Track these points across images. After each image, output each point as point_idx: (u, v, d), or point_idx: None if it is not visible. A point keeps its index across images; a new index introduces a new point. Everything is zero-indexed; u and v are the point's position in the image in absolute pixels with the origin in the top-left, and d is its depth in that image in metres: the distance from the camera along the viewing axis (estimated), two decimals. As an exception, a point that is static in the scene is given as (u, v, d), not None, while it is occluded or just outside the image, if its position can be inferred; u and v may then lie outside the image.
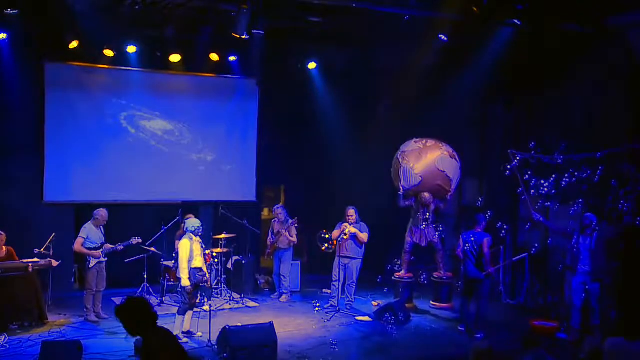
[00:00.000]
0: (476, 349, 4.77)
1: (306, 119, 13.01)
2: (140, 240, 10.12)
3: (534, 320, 9.69)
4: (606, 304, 9.16)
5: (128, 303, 4.54)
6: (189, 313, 8.89)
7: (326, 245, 10.04)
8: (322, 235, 10.23)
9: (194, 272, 8.66)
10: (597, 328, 8.93)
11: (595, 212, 9.23)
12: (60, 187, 11.34)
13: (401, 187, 10.76)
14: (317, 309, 9.92)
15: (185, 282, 8.60)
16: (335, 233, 10.50)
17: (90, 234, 9.46)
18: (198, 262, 8.72)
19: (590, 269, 8.98)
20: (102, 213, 9.64)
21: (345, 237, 10.30)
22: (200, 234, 8.84)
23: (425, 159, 10.73)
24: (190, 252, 8.63)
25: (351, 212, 10.44)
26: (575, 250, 9.23)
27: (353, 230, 10.33)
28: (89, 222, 9.61)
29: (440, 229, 10.93)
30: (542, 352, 5.48)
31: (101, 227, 9.65)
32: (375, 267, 12.15)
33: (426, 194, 10.75)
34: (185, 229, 8.97)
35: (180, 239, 9.27)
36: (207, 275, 8.95)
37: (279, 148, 12.95)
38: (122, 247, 9.82)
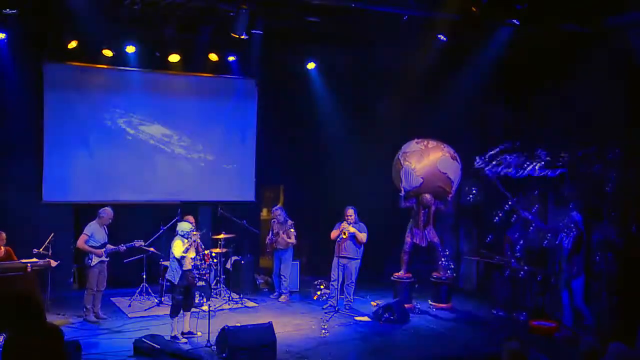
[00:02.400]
0: (509, 349, 4.69)
1: (305, 119, 12.99)
2: (142, 243, 10.13)
3: (533, 320, 9.69)
4: (596, 305, 9.19)
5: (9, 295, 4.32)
6: (188, 314, 8.88)
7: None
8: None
9: (184, 274, 8.65)
10: (589, 329, 8.93)
11: (591, 213, 9.31)
12: (59, 187, 11.33)
13: (402, 188, 10.74)
14: (316, 296, 9.82)
15: (188, 265, 8.65)
16: (334, 233, 10.49)
17: (95, 232, 9.47)
18: (187, 264, 8.71)
19: (569, 267, 9.07)
20: (108, 212, 9.65)
21: (344, 237, 10.30)
22: (191, 238, 8.81)
23: (427, 160, 10.71)
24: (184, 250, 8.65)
25: (350, 212, 10.43)
26: (559, 249, 9.34)
27: (352, 230, 10.32)
28: (94, 220, 9.62)
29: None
30: (534, 353, 5.46)
31: (105, 226, 9.65)
32: (374, 267, 12.18)
33: (427, 195, 10.74)
34: (176, 232, 8.95)
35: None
36: (204, 273, 8.92)
37: (278, 148, 12.94)
38: (124, 249, 9.83)
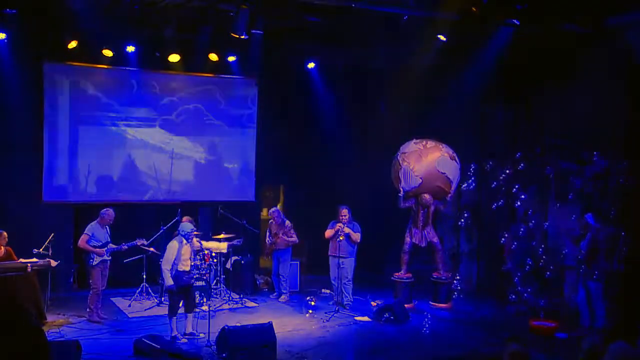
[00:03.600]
0: (511, 351, 4.70)
1: (305, 119, 12.99)
2: (145, 242, 10.13)
3: (533, 320, 9.69)
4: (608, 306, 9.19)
5: None
6: (190, 315, 8.82)
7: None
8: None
9: (180, 275, 8.62)
10: (600, 330, 8.92)
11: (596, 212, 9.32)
12: (59, 187, 11.34)
13: (401, 189, 10.74)
14: (308, 314, 9.81)
15: (169, 281, 8.57)
16: (329, 232, 10.52)
17: (96, 232, 9.49)
18: (185, 265, 8.67)
19: (587, 269, 9.09)
20: (109, 213, 9.67)
21: (341, 238, 10.32)
22: (191, 238, 8.78)
23: (426, 161, 10.70)
24: (177, 254, 8.60)
25: (344, 211, 10.46)
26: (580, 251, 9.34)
27: (347, 230, 10.36)
28: (95, 220, 9.63)
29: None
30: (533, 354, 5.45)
31: (107, 226, 9.66)
32: (374, 267, 12.18)
33: (426, 195, 10.74)
34: (177, 231, 8.93)
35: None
36: (204, 273, 8.87)
37: (278, 148, 12.94)
38: (126, 248, 9.83)
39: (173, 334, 8.63)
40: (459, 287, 11.35)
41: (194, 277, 8.96)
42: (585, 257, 9.17)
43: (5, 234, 9.20)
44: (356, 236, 10.47)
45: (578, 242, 9.41)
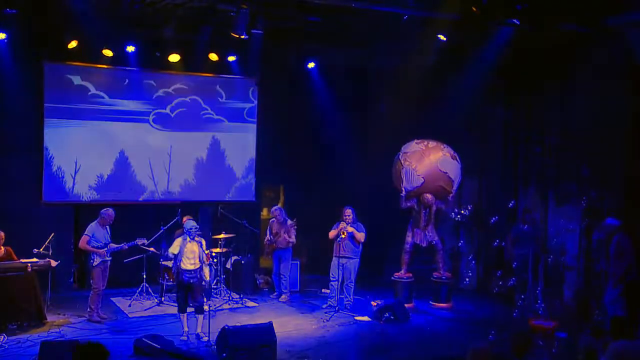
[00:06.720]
0: (474, 349, 4.74)
1: (306, 119, 12.99)
2: (145, 242, 10.12)
3: (533, 320, 9.69)
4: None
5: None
6: (199, 317, 8.77)
7: None
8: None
9: (181, 272, 8.70)
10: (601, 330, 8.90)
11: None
12: (59, 187, 11.34)
13: (403, 189, 10.74)
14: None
15: (185, 265, 8.73)
16: (333, 233, 10.51)
17: (96, 232, 9.49)
18: (185, 263, 8.68)
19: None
20: (109, 212, 9.67)
21: (343, 236, 10.32)
22: (191, 236, 8.75)
23: (427, 160, 10.71)
24: (180, 250, 8.70)
25: (348, 212, 10.45)
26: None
27: (350, 229, 10.34)
28: (95, 221, 9.63)
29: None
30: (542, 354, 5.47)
31: (107, 226, 9.66)
32: (374, 267, 12.17)
33: (428, 195, 10.74)
34: (184, 230, 9.00)
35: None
36: (206, 277, 8.89)
37: (279, 148, 12.94)
38: (127, 247, 9.83)
39: (184, 329, 8.72)
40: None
41: (191, 277, 8.84)
42: (613, 260, 8.92)
43: (2, 234, 9.19)
44: (360, 235, 10.43)
45: (607, 247, 9.19)
